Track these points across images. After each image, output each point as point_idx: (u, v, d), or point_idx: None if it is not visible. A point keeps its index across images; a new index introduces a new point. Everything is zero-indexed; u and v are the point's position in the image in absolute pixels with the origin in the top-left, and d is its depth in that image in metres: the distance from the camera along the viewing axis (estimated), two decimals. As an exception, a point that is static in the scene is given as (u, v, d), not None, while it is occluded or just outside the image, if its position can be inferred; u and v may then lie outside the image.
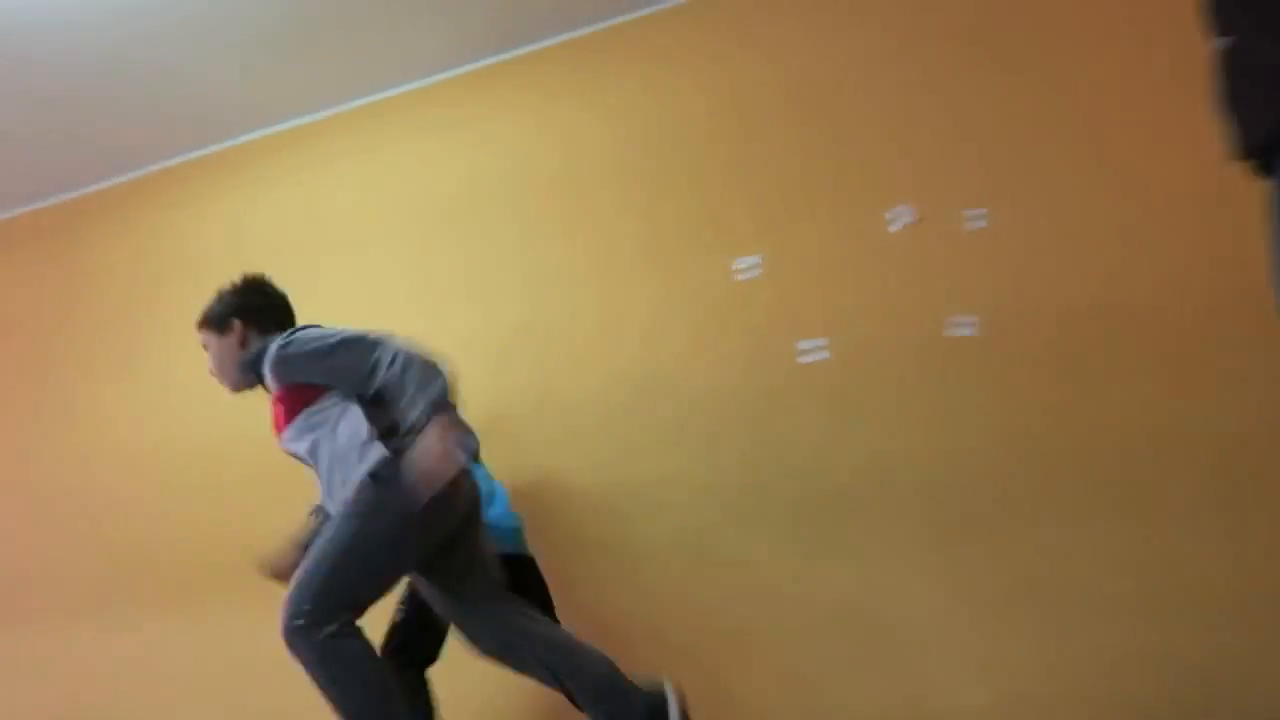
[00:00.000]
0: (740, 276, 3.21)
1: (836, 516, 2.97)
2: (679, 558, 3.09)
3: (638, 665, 2.43)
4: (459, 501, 2.36)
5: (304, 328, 2.50)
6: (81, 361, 4.13)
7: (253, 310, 2.64)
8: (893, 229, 3.10)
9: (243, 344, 2.59)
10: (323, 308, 3.63)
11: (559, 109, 3.56)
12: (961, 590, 2.80)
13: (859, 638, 2.87)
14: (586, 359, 3.32)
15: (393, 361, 2.22)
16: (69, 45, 3.33)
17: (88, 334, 4.14)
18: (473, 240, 3.56)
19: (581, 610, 3.07)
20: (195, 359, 3.78)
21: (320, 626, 2.11)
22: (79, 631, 3.82)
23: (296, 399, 2.39)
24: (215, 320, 2.65)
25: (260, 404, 2.58)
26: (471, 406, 3.31)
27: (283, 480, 3.55)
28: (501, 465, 3.22)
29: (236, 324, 2.61)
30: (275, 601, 2.18)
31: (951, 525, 2.84)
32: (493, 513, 2.76)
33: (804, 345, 3.10)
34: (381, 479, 2.22)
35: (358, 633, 2.18)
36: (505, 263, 3.50)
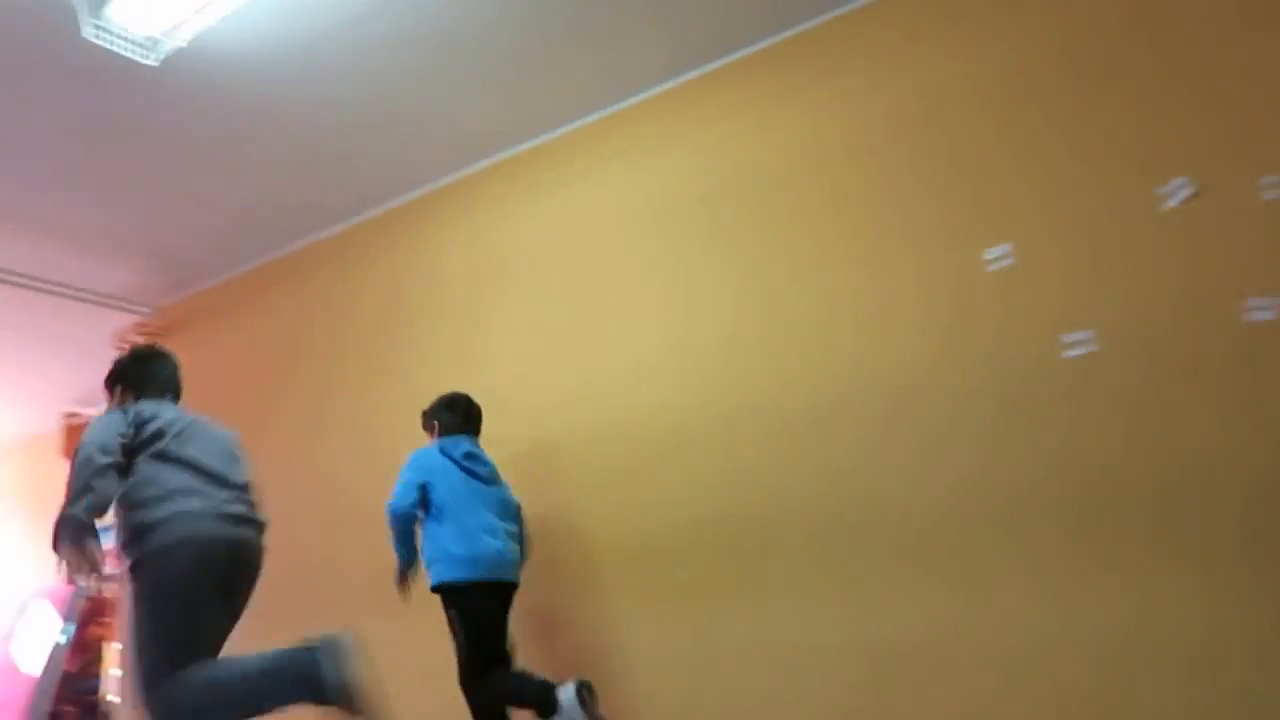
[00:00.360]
0: (992, 267, 2.99)
1: (1135, 524, 2.65)
2: (926, 573, 2.91)
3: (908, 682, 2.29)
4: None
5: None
6: (360, 373, 4.50)
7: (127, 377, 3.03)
8: (1168, 205, 2.77)
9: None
10: (580, 317, 3.79)
11: (784, 108, 3.48)
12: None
13: (1169, 664, 2.56)
14: (828, 358, 3.21)
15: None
16: (329, 82, 3.64)
17: (363, 347, 4.51)
18: (721, 241, 3.56)
19: (836, 618, 2.98)
20: (460, 368, 4.06)
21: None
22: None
23: None
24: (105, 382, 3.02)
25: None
26: (723, 404, 3.33)
27: (543, 478, 3.71)
28: (738, 462, 3.22)
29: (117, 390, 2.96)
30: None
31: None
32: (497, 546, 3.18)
33: (1070, 338, 2.84)
34: None
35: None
36: (751, 263, 3.47)
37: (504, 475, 3.56)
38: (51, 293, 5.26)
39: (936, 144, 3.15)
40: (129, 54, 3.24)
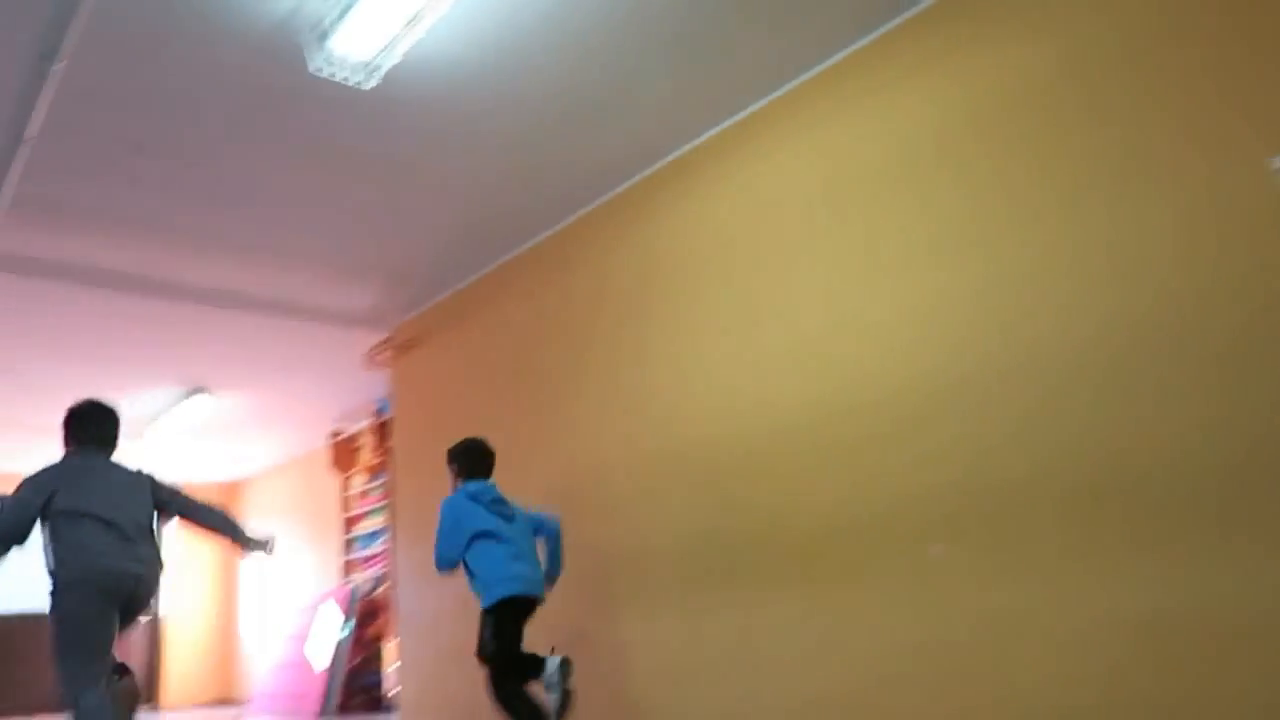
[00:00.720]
0: (1269, 187, 2.51)
1: None
2: (1220, 538, 2.49)
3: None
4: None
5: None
6: (590, 363, 4.54)
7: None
8: None
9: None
10: (806, 287, 3.61)
11: (996, 52, 3.13)
12: None
13: None
14: (1075, 304, 2.84)
15: None
16: (530, 80, 3.66)
17: (589, 339, 4.55)
18: (934, 199, 3.27)
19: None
20: (686, 349, 4.00)
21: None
22: (591, 618, 4.19)
23: None
24: None
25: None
26: (963, 361, 3.03)
27: (775, 456, 3.57)
28: (991, 427, 2.91)
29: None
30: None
31: None
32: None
33: None
34: None
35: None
36: (980, 216, 3.15)
37: (731, 457, 3.65)
38: (306, 319, 5.68)
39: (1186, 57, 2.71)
40: (352, 82, 3.39)
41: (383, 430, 7.44)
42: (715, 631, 3.72)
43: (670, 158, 4.24)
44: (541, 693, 3.57)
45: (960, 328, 3.11)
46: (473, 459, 4.07)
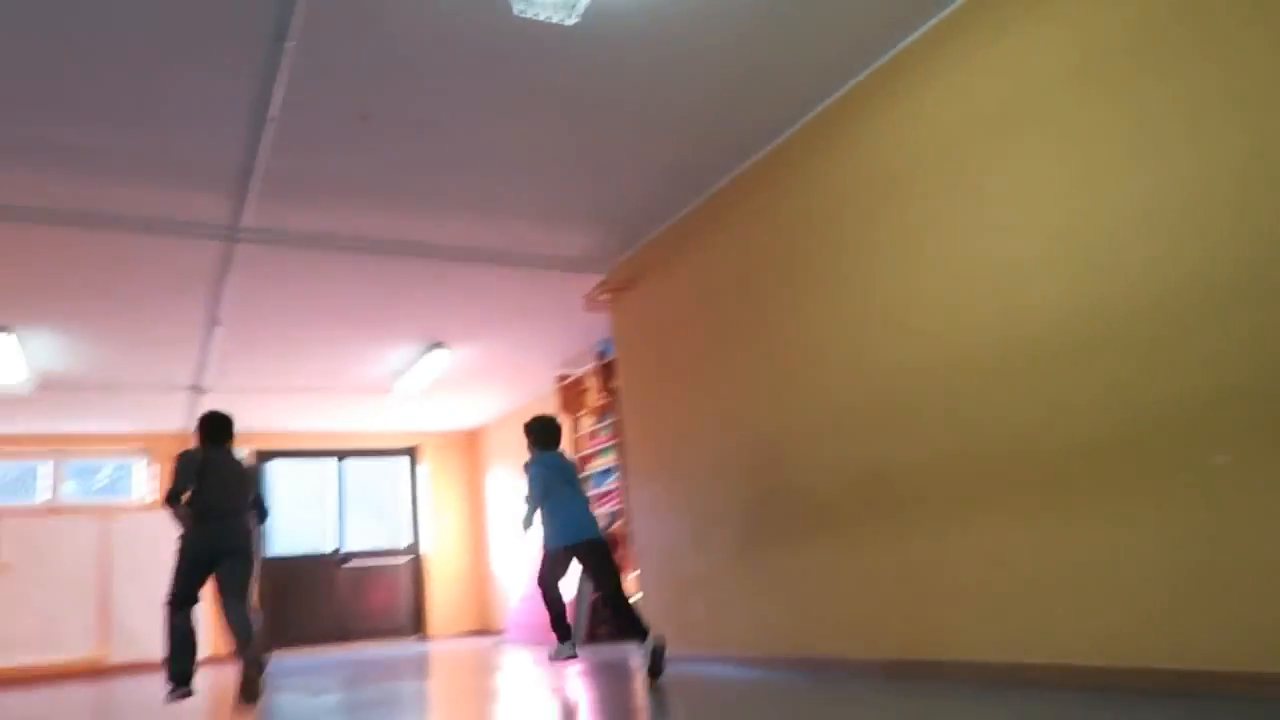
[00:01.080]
0: None
1: None
2: None
3: None
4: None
5: None
6: (808, 287, 4.41)
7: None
8: None
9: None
10: (1038, 192, 3.31)
11: None
12: None
13: None
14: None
15: None
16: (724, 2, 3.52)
17: (806, 262, 4.41)
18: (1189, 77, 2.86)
19: None
20: (919, 274, 3.79)
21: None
22: (826, 545, 4.10)
23: None
24: None
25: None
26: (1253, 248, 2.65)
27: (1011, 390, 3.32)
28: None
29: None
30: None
31: None
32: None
33: None
34: None
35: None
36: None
37: (972, 374, 3.42)
38: (528, 266, 5.87)
39: None
40: (555, 19, 3.39)
41: (606, 371, 7.63)
42: (964, 553, 3.54)
43: (882, 60, 3.97)
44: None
45: (1251, 210, 2.73)
46: (541, 434, 5.13)
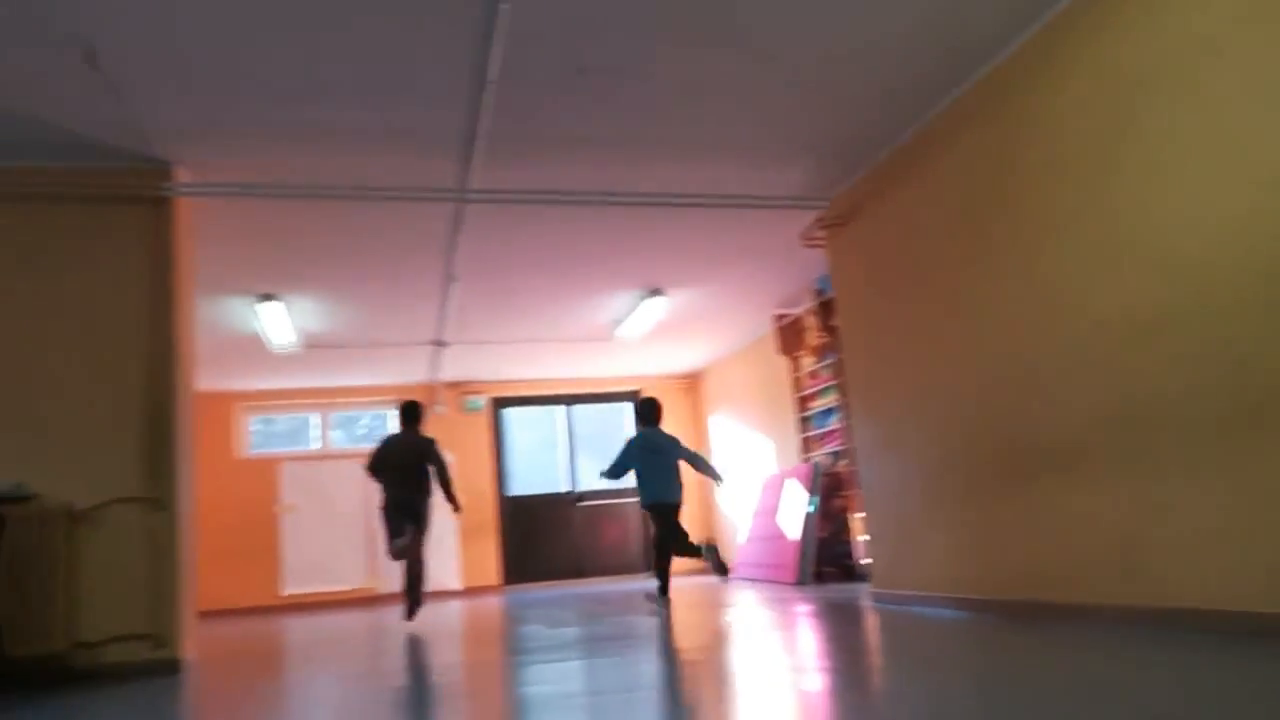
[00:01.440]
0: None
1: None
2: None
3: None
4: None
5: None
6: (1037, 216, 4.12)
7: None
8: None
9: None
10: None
11: None
12: None
13: None
14: None
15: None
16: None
17: (1036, 187, 4.11)
18: None
19: None
20: (1154, 190, 3.44)
21: None
22: (1062, 487, 3.85)
23: None
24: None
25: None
26: None
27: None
28: None
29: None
30: None
31: None
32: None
33: None
34: None
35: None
36: None
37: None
38: (742, 207, 5.83)
39: None
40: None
41: (825, 309, 7.49)
42: (1209, 495, 3.23)
43: (1127, -46, 3.59)
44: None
45: None
46: (641, 415, 6.67)
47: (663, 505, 6.29)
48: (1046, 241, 4.08)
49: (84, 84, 4.00)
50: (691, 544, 6.25)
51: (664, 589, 6.26)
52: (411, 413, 6.59)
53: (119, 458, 4.54)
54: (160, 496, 4.55)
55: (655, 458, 6.35)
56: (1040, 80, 4.09)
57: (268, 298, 7.06)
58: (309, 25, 3.70)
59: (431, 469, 6.40)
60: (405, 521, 6.18)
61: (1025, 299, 4.23)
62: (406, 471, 6.35)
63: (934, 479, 5.01)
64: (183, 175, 4.91)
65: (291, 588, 10.21)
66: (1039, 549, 4.17)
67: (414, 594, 6.22)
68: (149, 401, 4.62)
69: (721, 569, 6.27)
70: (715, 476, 6.62)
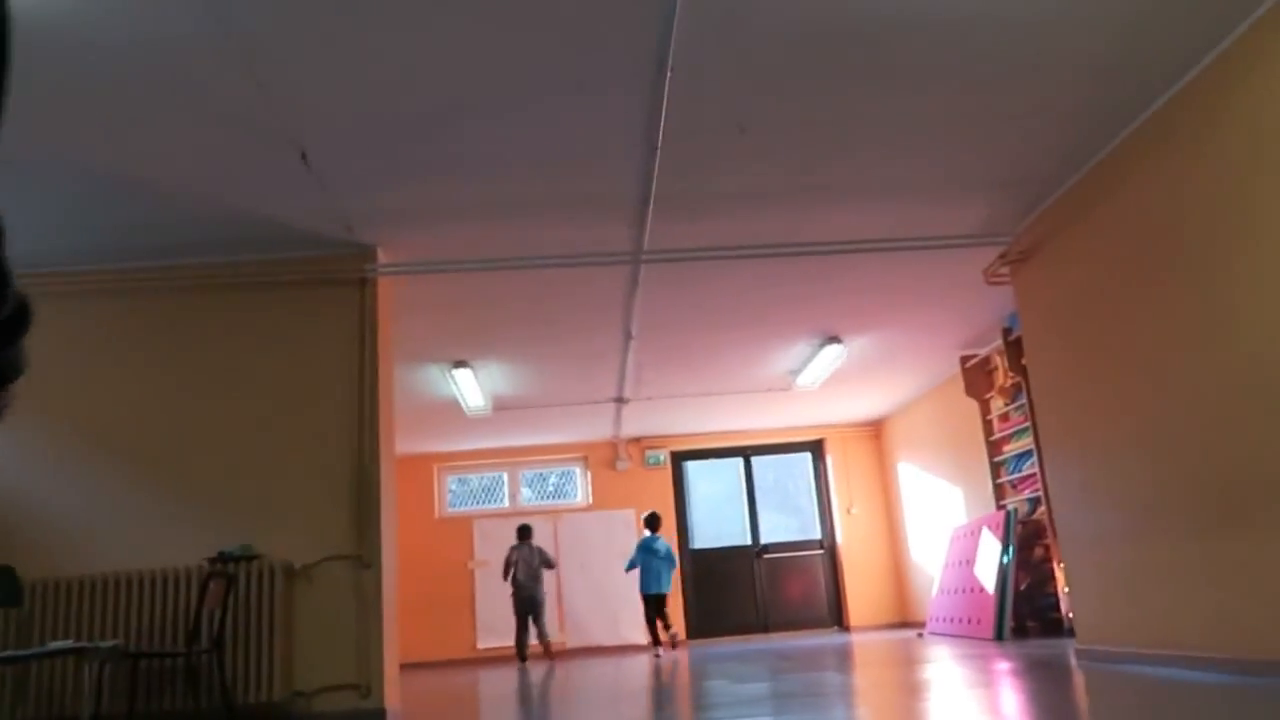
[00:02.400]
0: None
1: None
2: None
3: None
4: None
5: None
6: (1248, 242, 3.81)
7: None
8: None
9: None
10: None
11: None
12: None
13: None
14: None
15: None
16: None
17: (1232, 206, 3.81)
18: None
19: None
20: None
21: None
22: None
23: None
24: None
25: None
26: None
27: None
28: None
29: None
30: None
31: None
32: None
33: None
34: None
35: None
36: None
37: None
38: (919, 248, 5.70)
39: None
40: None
41: (1014, 348, 7.16)
42: None
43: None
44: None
45: None
46: (649, 524, 9.36)
47: (656, 595, 9.08)
48: (1253, 266, 3.76)
49: (297, 181, 4.43)
50: (668, 623, 9.15)
51: (656, 641, 9.15)
52: (523, 533, 9.66)
53: (332, 518, 4.91)
54: (366, 554, 4.87)
55: (654, 559, 9.04)
56: (1248, 87, 3.82)
57: (460, 364, 7.48)
58: (495, 109, 3.96)
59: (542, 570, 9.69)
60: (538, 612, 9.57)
61: (1253, 322, 3.90)
62: (532, 574, 9.56)
63: (1146, 521, 4.65)
64: (383, 255, 5.32)
65: (485, 641, 10.58)
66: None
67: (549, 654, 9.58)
68: (357, 466, 4.98)
69: (655, 642, 9.12)
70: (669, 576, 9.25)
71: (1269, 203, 3.71)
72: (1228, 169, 3.93)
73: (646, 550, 9.05)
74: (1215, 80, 3.96)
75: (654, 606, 9.11)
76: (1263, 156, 3.73)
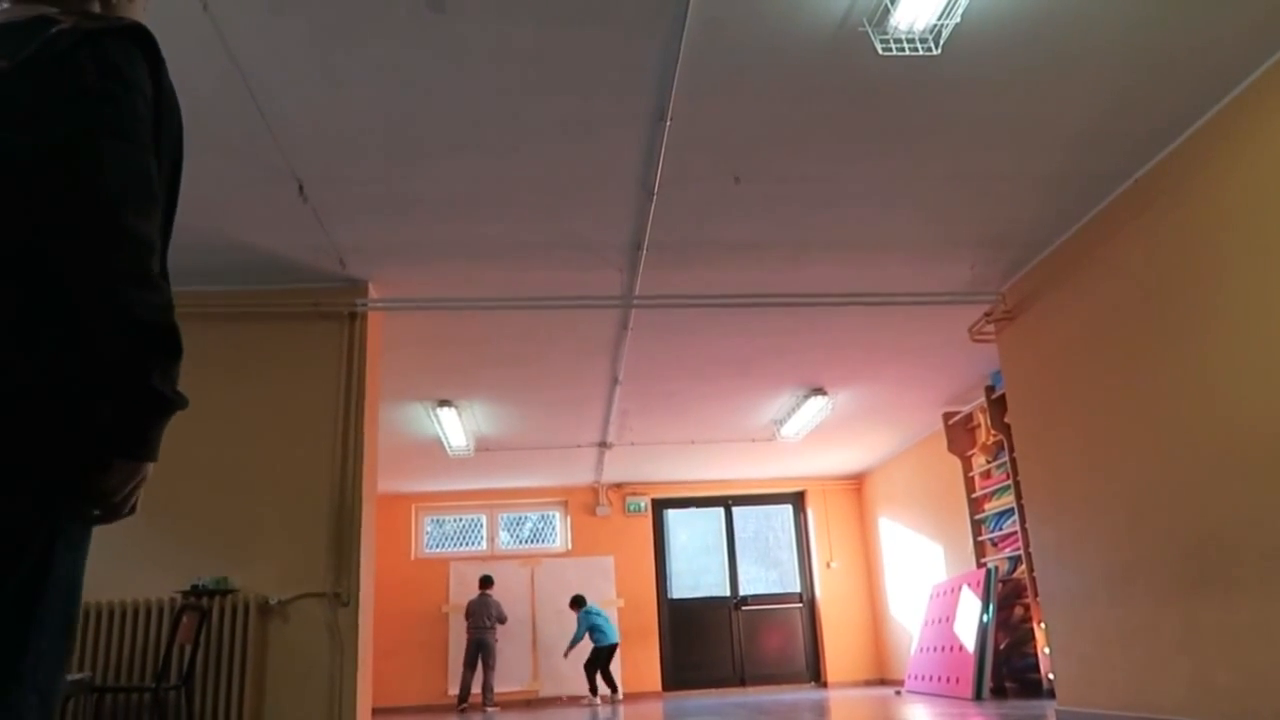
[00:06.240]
0: None
1: None
2: None
3: None
4: None
5: None
6: (1221, 307, 3.88)
7: None
8: None
9: None
10: None
11: None
12: None
13: None
14: None
15: None
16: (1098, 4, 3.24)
17: (1215, 279, 3.88)
18: None
19: None
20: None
21: None
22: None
23: None
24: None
25: None
26: None
27: None
28: None
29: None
30: None
31: None
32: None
33: None
34: None
35: None
36: None
37: None
38: (906, 304, 5.76)
39: None
40: (921, 51, 3.36)
41: (997, 406, 7.21)
42: None
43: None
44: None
45: None
46: (579, 603, 10.00)
47: (608, 647, 9.87)
48: (1253, 320, 3.83)
49: (293, 213, 4.44)
50: (609, 672, 9.87)
51: (593, 689, 9.79)
52: (484, 582, 10.19)
53: (310, 554, 4.83)
54: (345, 592, 4.79)
55: (597, 619, 9.91)
56: (1224, 158, 3.91)
57: (445, 404, 7.44)
58: (493, 149, 4.00)
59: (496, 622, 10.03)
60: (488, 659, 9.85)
61: (1229, 385, 3.96)
62: (486, 623, 9.91)
63: (1126, 583, 4.65)
64: (374, 290, 5.32)
65: (457, 688, 10.38)
66: (1261, 663, 3.78)
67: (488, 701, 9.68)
68: (339, 502, 4.93)
69: (593, 690, 9.82)
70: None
71: (1240, 270, 3.79)
72: (1201, 237, 4.02)
73: (593, 615, 9.92)
74: (1192, 153, 4.07)
75: (607, 657, 9.80)
76: (1232, 227, 3.81)
